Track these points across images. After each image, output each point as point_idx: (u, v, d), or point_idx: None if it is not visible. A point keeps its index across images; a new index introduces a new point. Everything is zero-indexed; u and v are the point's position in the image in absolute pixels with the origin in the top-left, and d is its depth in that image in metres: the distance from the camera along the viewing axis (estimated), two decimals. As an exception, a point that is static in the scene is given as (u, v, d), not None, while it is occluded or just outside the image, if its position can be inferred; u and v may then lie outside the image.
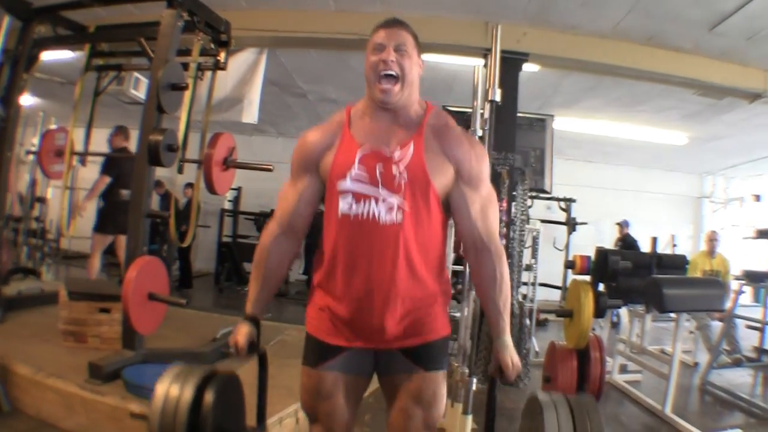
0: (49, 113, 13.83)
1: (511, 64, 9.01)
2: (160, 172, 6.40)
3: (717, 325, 9.76)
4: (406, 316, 2.90)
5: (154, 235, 11.97)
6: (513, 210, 8.45)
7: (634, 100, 12.55)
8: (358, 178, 2.81)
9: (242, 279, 16.02)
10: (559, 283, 14.76)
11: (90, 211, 13.04)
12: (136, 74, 8.67)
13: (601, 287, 7.58)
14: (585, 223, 15.71)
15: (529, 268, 10.60)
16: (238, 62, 9.47)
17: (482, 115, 5.59)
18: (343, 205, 2.82)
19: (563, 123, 13.59)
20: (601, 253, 7.65)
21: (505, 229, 8.18)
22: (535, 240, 10.98)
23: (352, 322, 2.91)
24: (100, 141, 8.66)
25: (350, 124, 2.99)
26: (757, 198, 17.63)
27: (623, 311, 10.40)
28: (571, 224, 14.98)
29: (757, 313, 9.43)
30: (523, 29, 9.29)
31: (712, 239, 10.98)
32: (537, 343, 10.36)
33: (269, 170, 7.02)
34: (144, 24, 6.99)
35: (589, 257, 7.77)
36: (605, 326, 9.71)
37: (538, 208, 13.39)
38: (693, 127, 14.23)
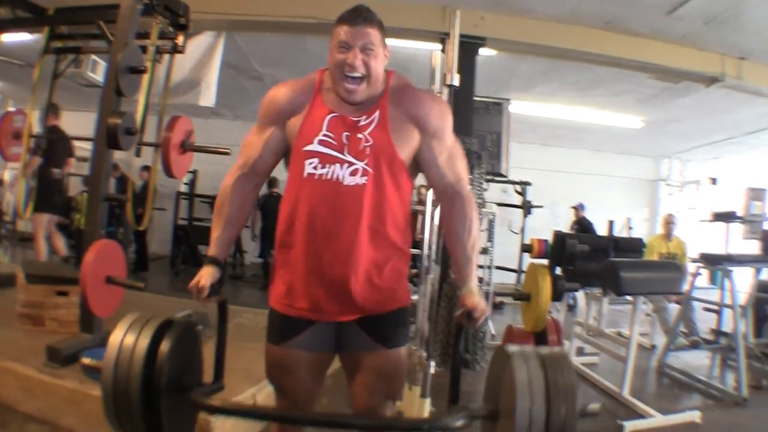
0: (6, 95, 13.76)
1: (468, 48, 8.98)
2: (116, 155, 6.37)
3: (674, 308, 9.86)
4: (367, 278, 2.94)
5: (111, 217, 11.95)
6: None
7: (590, 83, 12.65)
8: (324, 142, 2.86)
9: (198, 262, 15.61)
10: (515, 267, 14.92)
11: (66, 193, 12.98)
12: (93, 57, 8.61)
13: (558, 270, 7.62)
14: (540, 207, 15.79)
15: (485, 251, 10.61)
16: (196, 45, 9.43)
17: (440, 99, 5.60)
18: (309, 167, 2.86)
19: (519, 107, 13.65)
20: (559, 236, 7.71)
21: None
22: (490, 223, 10.98)
23: (314, 284, 2.93)
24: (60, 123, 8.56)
25: (321, 88, 3.01)
26: (714, 181, 17.78)
27: (580, 294, 10.44)
28: (527, 208, 15.02)
29: (714, 295, 9.50)
30: (480, 14, 9.33)
31: (669, 222, 11.06)
32: (493, 326, 10.48)
33: (227, 153, 6.96)
34: (103, 7, 6.85)
35: (546, 241, 7.82)
36: (562, 309, 9.74)
37: (494, 192, 13.40)
38: (649, 110, 14.40)
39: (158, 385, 2.62)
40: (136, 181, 12.78)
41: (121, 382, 2.61)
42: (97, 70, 8.77)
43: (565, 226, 16.17)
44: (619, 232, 14.28)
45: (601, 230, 12.75)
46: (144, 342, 2.69)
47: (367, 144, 2.85)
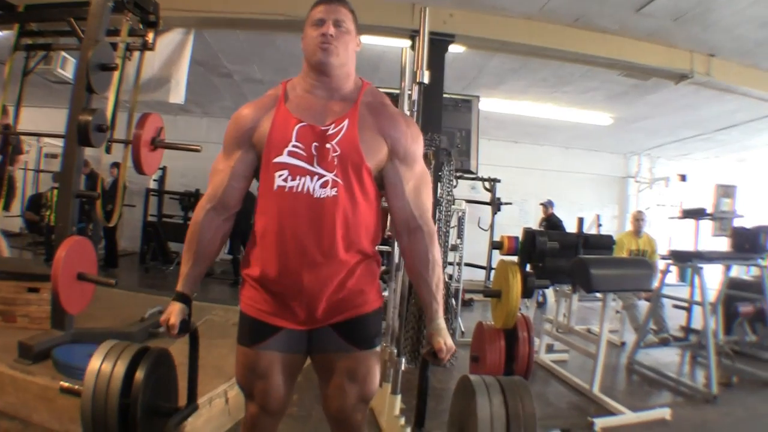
0: (-24, 92, 13.74)
1: (437, 45, 9.05)
2: (86, 152, 6.34)
3: (644, 305, 9.90)
4: (340, 289, 2.93)
5: (80, 214, 11.93)
6: (439, 191, 8.47)
7: (559, 81, 12.71)
8: (294, 153, 2.84)
9: (167, 258, 16.19)
10: (484, 263, 14.87)
11: (17, 190, 12.85)
12: (63, 54, 8.62)
13: (529, 268, 7.63)
14: (509, 203, 15.88)
15: (454, 248, 10.59)
16: (166, 42, 9.40)
17: (410, 96, 5.64)
18: (279, 179, 2.84)
19: (488, 104, 13.66)
20: (529, 233, 7.70)
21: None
22: (460, 220, 11.02)
23: (287, 296, 2.93)
24: (28, 120, 8.56)
25: (286, 98, 3.00)
26: (683, 178, 17.77)
27: (549, 291, 10.47)
28: (496, 204, 15.04)
29: (684, 292, 9.58)
30: (449, 10, 9.37)
31: (638, 219, 11.08)
32: (463, 323, 10.52)
33: (197, 150, 6.98)
34: (74, 4, 6.89)
35: (516, 238, 7.81)
36: (531, 306, 9.81)
37: (463, 189, 13.40)
38: (618, 107, 14.48)
39: (135, 413, 2.70)
40: (105, 177, 12.73)
41: (99, 410, 2.70)
42: (66, 67, 8.80)
43: (535, 223, 16.37)
44: (588, 229, 14.32)
45: (571, 227, 12.79)
46: (120, 370, 2.78)
47: (335, 154, 2.83)
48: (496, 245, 7.95)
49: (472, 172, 10.68)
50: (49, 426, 5.00)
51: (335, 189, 2.82)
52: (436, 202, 8.04)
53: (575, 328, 8.95)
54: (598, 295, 7.91)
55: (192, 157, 8.04)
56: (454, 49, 10.06)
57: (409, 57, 5.86)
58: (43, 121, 12.18)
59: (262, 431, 3.18)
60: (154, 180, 17.47)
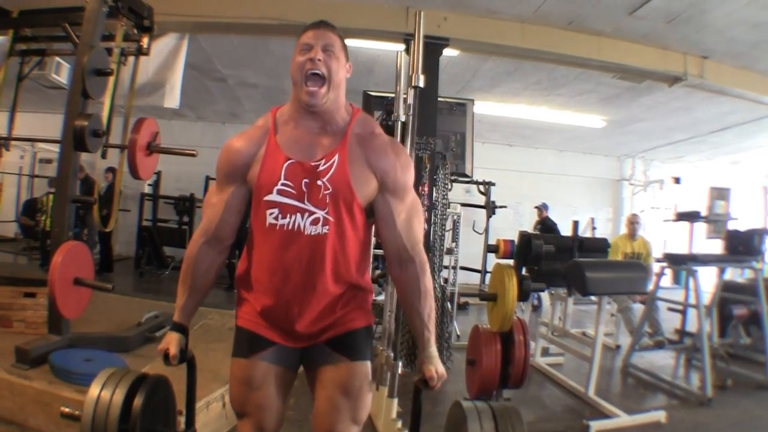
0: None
1: (431, 49, 9.03)
2: (81, 157, 6.35)
3: (639, 308, 9.91)
4: (331, 319, 2.98)
5: (75, 219, 11.92)
6: (434, 195, 8.47)
7: (553, 83, 12.74)
8: (284, 192, 2.85)
9: (163, 263, 16.17)
10: (479, 267, 14.90)
11: (11, 194, 12.82)
12: (57, 59, 8.62)
13: (524, 271, 7.63)
14: (504, 207, 15.59)
15: (450, 251, 10.64)
16: (160, 47, 9.41)
17: (405, 100, 5.62)
18: (270, 217, 2.86)
19: (482, 107, 13.67)
20: (525, 236, 7.70)
21: (426, 214, 8.18)
22: (455, 224, 11.07)
23: (278, 326, 2.99)
24: (23, 125, 8.55)
25: (276, 130, 3.00)
26: (677, 180, 17.81)
27: (544, 294, 10.47)
28: (491, 208, 14.88)
29: (678, 295, 9.72)
30: (443, 14, 9.36)
31: (633, 222, 11.09)
32: (458, 327, 10.48)
33: (193, 155, 6.97)
34: (68, 9, 6.90)
35: (512, 241, 7.81)
36: (527, 309, 9.79)
37: (458, 192, 13.51)
38: (611, 110, 14.49)
39: None
40: (100, 182, 12.74)
41: None
42: (61, 73, 8.81)
43: (529, 226, 16.43)
44: (583, 232, 14.39)
45: (565, 230, 12.79)
46: (119, 397, 2.82)
47: (326, 192, 2.84)
48: (491, 248, 7.95)
49: (467, 176, 10.65)
50: (45, 430, 5.01)
51: (326, 227, 2.85)
52: (431, 206, 8.05)
53: (570, 331, 8.96)
54: (593, 298, 7.94)
55: (187, 162, 8.05)
56: (449, 52, 10.07)
57: (404, 61, 5.88)
58: (37, 126, 12.25)
59: None
60: (149, 185, 17.46)
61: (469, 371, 6.61)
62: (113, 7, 6.38)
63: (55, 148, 6.65)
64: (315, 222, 2.83)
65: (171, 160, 9.44)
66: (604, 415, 6.64)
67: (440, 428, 3.04)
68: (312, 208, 2.82)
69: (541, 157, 20.53)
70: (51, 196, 11.80)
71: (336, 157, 2.87)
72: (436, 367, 2.90)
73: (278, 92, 13.93)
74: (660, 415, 6.69)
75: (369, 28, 9.41)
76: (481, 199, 14.79)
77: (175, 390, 3.34)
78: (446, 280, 10.50)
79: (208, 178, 17.08)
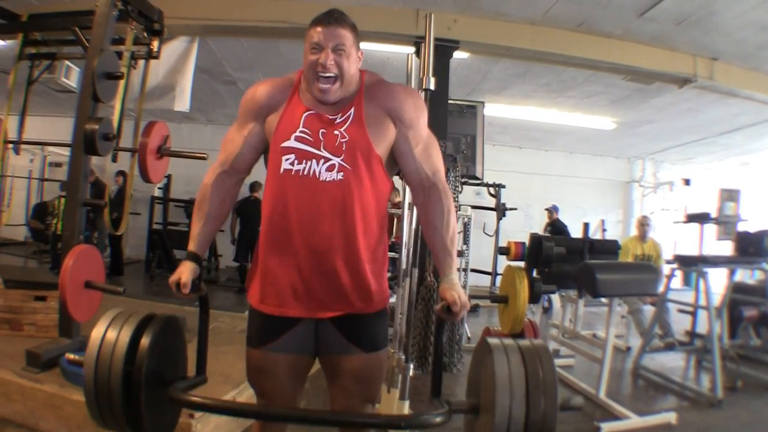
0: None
1: (441, 51, 8.98)
2: (91, 161, 6.34)
3: (649, 310, 9.88)
4: (345, 273, 2.96)
5: (86, 222, 11.94)
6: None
7: (562, 85, 12.70)
8: (301, 138, 2.89)
9: (173, 266, 15.67)
10: (490, 269, 14.84)
11: (21, 198, 12.74)
12: (67, 62, 8.64)
13: (535, 273, 7.61)
14: (514, 209, 15.74)
15: (460, 254, 10.47)
16: (170, 50, 9.41)
17: (416, 102, 5.61)
18: (286, 163, 2.89)
19: (492, 109, 13.62)
20: (536, 239, 7.70)
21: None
22: (465, 226, 10.99)
23: (294, 278, 2.96)
24: (32, 129, 8.53)
25: (299, 88, 3.04)
26: (687, 182, 17.73)
27: (555, 296, 10.46)
28: (501, 210, 14.89)
29: (689, 297, 9.59)
30: (453, 16, 9.36)
31: (643, 224, 11.06)
32: (469, 329, 10.40)
33: (204, 158, 7.02)
34: (78, 13, 6.88)
35: (523, 243, 7.80)
36: (537, 311, 9.78)
37: (468, 194, 13.37)
38: (621, 112, 14.44)
39: (138, 381, 2.64)
40: (110, 185, 12.74)
41: (103, 375, 2.64)
42: (70, 76, 8.82)
43: (539, 228, 16.38)
44: (593, 234, 14.31)
45: (575, 232, 12.76)
46: (125, 336, 2.73)
47: (343, 140, 2.87)
48: (503, 251, 7.95)
49: (477, 178, 10.65)
50: (56, 434, 4.99)
51: (341, 173, 2.86)
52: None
53: (581, 333, 8.95)
54: (604, 300, 7.92)
55: (197, 165, 8.04)
56: (459, 55, 10.06)
57: (414, 63, 5.87)
58: (47, 130, 12.22)
59: None
60: (159, 188, 17.37)
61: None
62: (123, 10, 6.38)
63: (65, 152, 6.65)
64: (330, 168, 2.86)
65: (181, 164, 9.43)
66: (615, 416, 6.62)
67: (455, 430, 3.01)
68: (327, 155, 2.87)
69: (551, 159, 20.45)
70: (62, 200, 11.78)
71: (352, 110, 2.95)
72: (459, 294, 2.87)
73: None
74: (670, 417, 6.67)
75: (379, 30, 9.40)
76: (491, 202, 14.80)
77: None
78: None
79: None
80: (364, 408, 3.14)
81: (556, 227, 15.31)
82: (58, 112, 16.80)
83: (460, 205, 9.33)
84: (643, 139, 17.61)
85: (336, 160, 2.86)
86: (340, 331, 3.03)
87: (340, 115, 2.93)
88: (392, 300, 5.93)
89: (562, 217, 15.87)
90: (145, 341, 2.72)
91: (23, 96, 7.87)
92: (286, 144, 2.90)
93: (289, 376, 3.09)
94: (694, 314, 10.10)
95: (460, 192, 9.05)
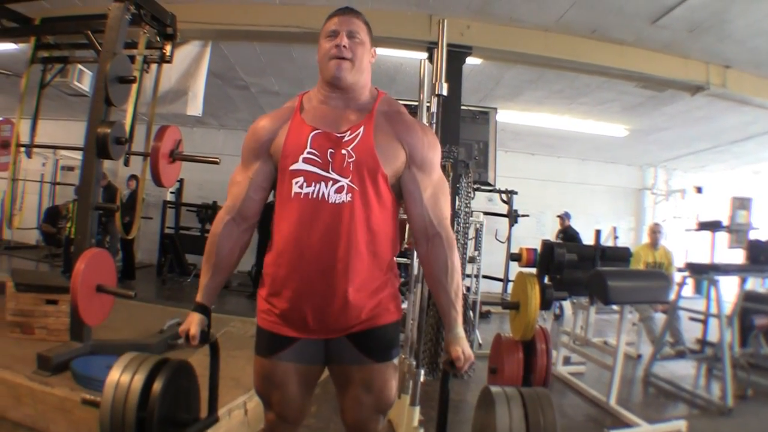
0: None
1: (454, 57, 9.03)
2: (103, 165, 6.32)
3: (660, 317, 9.86)
4: (355, 297, 2.90)
5: (98, 226, 11.96)
6: (457, 203, 8.47)
7: (575, 92, 12.67)
8: (309, 160, 2.84)
9: (185, 270, 16.09)
10: (501, 275, 14.96)
11: (33, 202, 12.70)
12: (79, 66, 8.68)
13: (546, 279, 7.60)
14: (526, 216, 15.82)
15: (472, 260, 10.63)
16: (183, 55, 9.43)
17: (429, 108, 5.62)
18: (295, 186, 2.84)
19: (505, 115, 13.66)
20: (547, 245, 7.68)
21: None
22: (477, 232, 11.03)
23: (302, 304, 2.91)
24: (44, 133, 8.54)
25: (302, 109, 3.01)
26: (699, 190, 17.67)
27: (567, 303, 10.44)
28: (513, 216, 14.96)
29: (700, 304, 9.57)
30: (466, 22, 9.36)
31: (655, 231, 11.04)
32: (480, 335, 10.40)
33: (216, 163, 7.06)
34: (91, 17, 6.92)
35: (535, 250, 7.78)
36: (548, 318, 9.80)
37: (480, 200, 13.52)
38: (634, 119, 14.40)
39: (151, 425, 2.69)
40: (122, 190, 12.76)
41: (117, 421, 2.69)
42: (83, 80, 8.85)
43: (551, 234, 16.29)
44: (605, 241, 14.30)
45: (587, 239, 12.74)
46: (138, 382, 2.77)
47: (350, 160, 2.83)
48: (514, 257, 7.93)
49: (489, 184, 10.65)
50: (66, 437, 4.99)
51: (350, 195, 2.81)
52: (454, 214, 8.04)
53: (592, 340, 8.92)
54: (615, 307, 7.93)
55: (209, 170, 8.07)
56: (472, 60, 10.06)
57: (427, 69, 5.86)
58: (59, 134, 12.25)
59: None
60: (171, 192, 17.46)
61: (491, 379, 6.59)
62: (136, 14, 6.39)
63: (77, 156, 6.66)
64: (339, 190, 2.81)
65: (193, 168, 9.47)
66: (625, 424, 6.60)
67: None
68: (336, 177, 2.82)
69: (564, 166, 20.42)
70: (76, 203, 11.84)
71: (361, 129, 2.89)
72: (463, 348, 2.83)
73: (300, 100, 13.86)
74: (681, 425, 6.63)
75: (392, 36, 9.41)
76: (503, 208, 14.89)
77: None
78: (468, 289, 10.50)
79: (230, 186, 17.00)
80: (375, 420, 3.13)
81: (568, 234, 15.23)
82: (70, 115, 16.82)
83: (473, 211, 9.32)
84: (656, 146, 17.57)
85: (344, 182, 2.82)
86: (352, 344, 3.00)
87: (348, 132, 2.89)
88: (403, 306, 5.94)
89: (574, 224, 15.80)
90: (157, 386, 2.77)
91: (35, 99, 7.89)
92: (294, 167, 2.86)
93: (297, 385, 3.05)
94: (705, 322, 10.12)
95: (473, 198, 9.05)
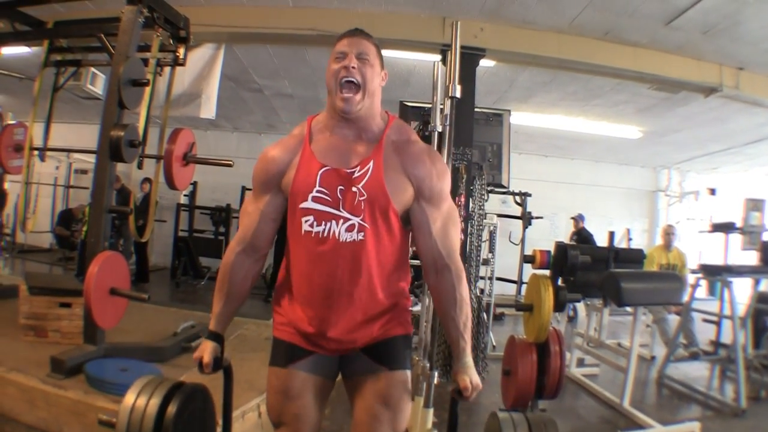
0: (6, 108, 13.79)
1: (468, 59, 9.00)
2: (117, 168, 6.31)
3: (674, 319, 9.86)
4: (367, 327, 2.96)
5: (111, 229, 12.00)
6: (471, 205, 8.47)
7: (589, 94, 12.62)
8: (319, 199, 2.85)
9: (199, 273, 16.13)
10: (515, 277, 14.85)
11: (46, 205, 12.67)
12: (92, 69, 8.64)
13: (560, 281, 7.61)
14: (540, 218, 15.73)
15: (486, 262, 10.61)
16: (196, 58, 9.48)
17: (442, 110, 5.56)
18: (305, 225, 2.86)
19: (518, 117, 13.51)
20: (561, 247, 7.66)
21: (463, 224, 8.19)
22: (491, 234, 11.04)
23: (314, 336, 2.96)
24: (57, 136, 8.59)
25: (311, 138, 3.00)
26: (712, 192, 17.69)
27: (580, 305, 10.44)
28: (527, 218, 14.90)
29: (713, 306, 9.49)
30: (480, 24, 9.34)
31: (669, 233, 11.01)
32: (494, 337, 10.43)
33: (229, 165, 6.99)
34: (104, 20, 6.93)
35: (548, 252, 7.78)
36: (562, 320, 9.75)
37: (494, 203, 13.59)
38: (647, 121, 14.35)
39: None
40: (136, 193, 12.78)
41: None
42: (96, 83, 8.81)
43: (565, 236, 16.39)
44: (619, 243, 14.29)
45: (601, 241, 12.72)
46: (154, 405, 2.79)
47: (362, 198, 2.83)
48: (528, 259, 7.92)
49: (503, 186, 10.59)
50: (80, 440, 5.00)
51: (362, 233, 2.83)
52: (468, 217, 8.03)
53: (606, 342, 8.96)
54: (629, 309, 7.91)
55: (223, 172, 8.08)
56: (485, 63, 10.05)
57: (440, 71, 5.86)
58: (72, 137, 12.30)
59: None
60: (185, 195, 17.50)
61: (504, 381, 6.62)
62: (149, 17, 6.40)
63: (91, 159, 6.68)
64: (350, 229, 2.82)
65: (207, 171, 9.49)
66: (639, 425, 6.63)
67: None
68: (347, 215, 2.82)
69: (578, 168, 20.39)
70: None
71: (371, 164, 2.87)
72: (471, 378, 2.84)
73: (314, 102, 13.93)
74: (694, 426, 6.65)
75: (406, 38, 9.40)
76: (517, 210, 14.85)
77: (214, 400, 3.31)
78: (482, 291, 10.45)
79: (244, 189, 17.12)
80: None
81: (582, 236, 15.24)
82: (83, 118, 16.90)
83: (486, 214, 9.32)
84: (669, 148, 17.52)
85: (356, 220, 2.83)
86: (364, 353, 3.04)
87: (358, 168, 2.87)
88: (417, 308, 5.92)
89: (588, 225, 15.80)
90: (171, 410, 2.80)
91: (49, 103, 7.94)
92: (304, 205, 2.86)
93: (313, 395, 3.04)
94: (718, 324, 10.02)
95: (486, 200, 9.05)
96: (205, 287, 15.07)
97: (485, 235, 10.50)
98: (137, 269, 14.29)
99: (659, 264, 10.73)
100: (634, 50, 9.79)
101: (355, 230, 2.82)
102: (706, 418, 7.21)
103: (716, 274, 8.33)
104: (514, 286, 15.09)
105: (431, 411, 5.36)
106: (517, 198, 14.67)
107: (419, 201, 2.94)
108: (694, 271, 9.25)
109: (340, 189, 2.83)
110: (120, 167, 6.48)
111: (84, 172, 18.31)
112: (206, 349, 3.01)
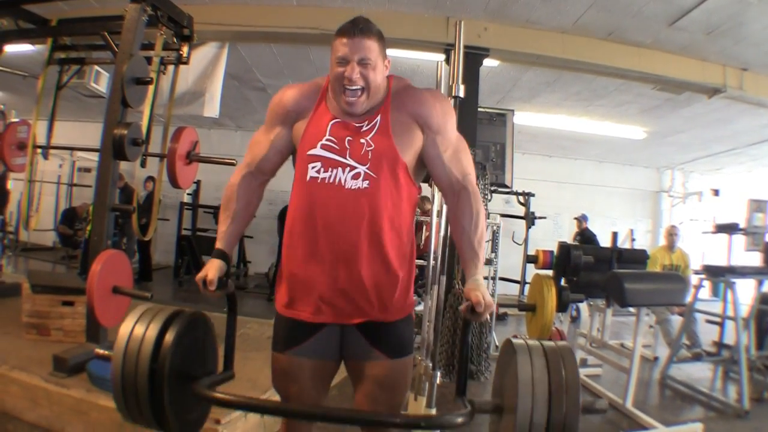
0: (9, 106, 13.79)
1: (471, 59, 8.96)
2: (120, 166, 6.33)
3: (677, 320, 9.85)
4: (371, 281, 2.96)
5: (114, 227, 11.99)
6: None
7: (592, 94, 12.65)
8: (327, 146, 2.91)
9: None
10: (518, 278, 14.79)
11: (49, 203, 12.63)
12: (96, 68, 8.66)
13: (563, 282, 7.59)
14: (543, 218, 15.63)
15: (489, 262, 10.54)
16: (200, 56, 9.47)
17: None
18: (312, 171, 2.91)
19: (522, 117, 13.63)
20: (564, 247, 7.68)
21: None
22: (494, 234, 10.96)
23: (318, 285, 2.96)
24: (61, 134, 8.56)
25: (326, 95, 3.07)
26: (716, 192, 17.72)
27: (583, 305, 10.48)
28: (530, 218, 14.81)
29: (716, 307, 9.48)
30: (483, 24, 9.35)
31: (672, 234, 10.97)
32: (497, 337, 10.36)
33: (233, 164, 6.84)
34: (108, 18, 6.92)
35: (551, 252, 7.78)
36: (565, 320, 9.73)
37: (497, 203, 13.49)
38: (651, 121, 14.37)
39: (161, 377, 2.65)
40: (139, 191, 12.78)
41: (129, 371, 2.65)
42: (99, 81, 8.83)
43: (568, 237, 16.48)
44: (622, 243, 14.22)
45: (604, 241, 12.72)
46: (152, 332, 2.73)
47: (369, 149, 2.88)
48: (531, 259, 7.94)
49: (506, 186, 10.64)
50: (82, 438, 4.99)
51: (367, 181, 2.87)
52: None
53: (609, 342, 8.93)
54: (632, 309, 7.88)
55: (226, 171, 8.03)
56: (489, 62, 10.07)
57: (444, 71, 5.86)
58: (75, 135, 12.29)
59: None
60: (188, 194, 17.51)
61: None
62: (153, 16, 6.40)
63: (94, 157, 6.66)
64: (356, 176, 2.87)
65: (211, 170, 9.46)
66: (642, 426, 6.61)
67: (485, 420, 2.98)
68: (353, 163, 2.88)
69: (581, 168, 20.43)
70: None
71: (378, 118, 2.96)
72: (483, 294, 2.77)
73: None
74: (697, 427, 6.63)
75: (409, 38, 9.43)
76: (520, 210, 14.74)
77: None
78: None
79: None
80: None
81: (585, 236, 15.28)
82: (86, 117, 16.95)
83: (489, 213, 9.32)
84: (673, 148, 17.55)
85: (362, 169, 2.87)
86: (364, 337, 3.04)
87: (366, 123, 2.94)
88: (420, 308, 5.90)
89: (591, 226, 15.86)
90: (169, 337, 2.72)
91: (52, 101, 7.91)
92: (312, 152, 2.92)
93: (312, 380, 3.09)
94: (721, 325, 9.99)
95: (490, 200, 9.04)
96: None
97: (488, 235, 10.44)
98: (140, 268, 14.31)
99: (662, 265, 10.71)
100: (638, 51, 9.79)
101: (361, 178, 2.87)
102: (709, 419, 7.18)
103: (719, 275, 8.31)
104: (517, 286, 15.04)
105: (434, 411, 5.36)
106: (521, 198, 14.61)
107: (428, 135, 3.03)
108: (697, 272, 9.24)
109: (348, 139, 2.92)
110: (123, 165, 6.48)
111: (87, 170, 18.27)
112: (211, 267, 3.00)
